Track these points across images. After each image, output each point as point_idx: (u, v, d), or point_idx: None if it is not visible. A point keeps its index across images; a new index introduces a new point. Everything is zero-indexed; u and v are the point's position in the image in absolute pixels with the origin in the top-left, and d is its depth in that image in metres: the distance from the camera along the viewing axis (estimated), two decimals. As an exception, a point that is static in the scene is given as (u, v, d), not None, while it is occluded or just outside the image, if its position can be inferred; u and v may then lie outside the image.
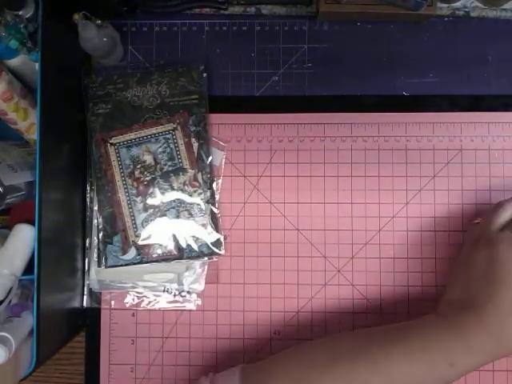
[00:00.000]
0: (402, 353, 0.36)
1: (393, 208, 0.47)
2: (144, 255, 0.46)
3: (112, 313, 0.47)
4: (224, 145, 0.48)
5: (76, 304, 0.47)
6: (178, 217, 0.46)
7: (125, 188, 0.47)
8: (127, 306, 0.47)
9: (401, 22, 0.48)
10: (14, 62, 0.42)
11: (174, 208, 0.46)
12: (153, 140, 0.47)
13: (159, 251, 0.46)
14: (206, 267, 0.47)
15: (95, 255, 0.47)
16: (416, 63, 0.48)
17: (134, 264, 0.46)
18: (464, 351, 0.36)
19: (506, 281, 0.36)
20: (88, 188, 0.48)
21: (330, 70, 0.48)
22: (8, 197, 0.40)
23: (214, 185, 0.47)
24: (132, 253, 0.47)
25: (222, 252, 0.46)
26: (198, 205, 0.46)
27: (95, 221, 0.47)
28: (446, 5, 0.47)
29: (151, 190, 0.47)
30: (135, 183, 0.47)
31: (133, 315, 0.47)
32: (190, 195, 0.46)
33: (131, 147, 0.47)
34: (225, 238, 0.47)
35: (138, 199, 0.47)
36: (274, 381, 0.38)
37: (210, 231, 0.46)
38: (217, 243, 0.46)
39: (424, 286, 0.46)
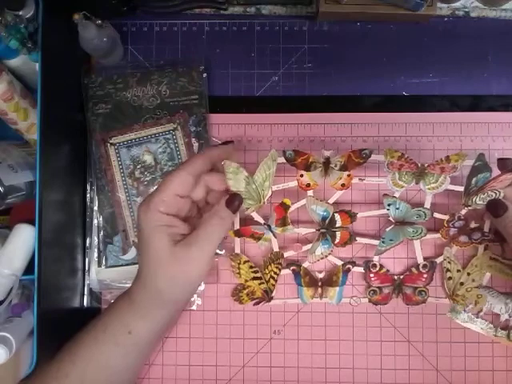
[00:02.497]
0: (92, 340, 0.39)
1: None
2: (144, 255, 0.46)
3: (112, 313, 0.47)
4: (224, 145, 0.48)
5: (76, 304, 0.47)
6: (178, 217, 0.46)
7: (125, 188, 0.47)
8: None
9: (401, 21, 0.48)
10: (14, 62, 0.42)
11: (174, 208, 0.46)
12: (153, 140, 0.47)
13: (159, 251, 0.46)
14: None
15: (95, 255, 0.47)
16: (416, 63, 0.48)
17: (134, 264, 0.46)
18: (135, 315, 0.39)
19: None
20: (88, 188, 0.48)
21: (330, 70, 0.48)
22: (8, 197, 0.40)
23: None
24: (132, 253, 0.47)
25: (222, 252, 0.46)
26: (198, 205, 0.46)
27: (95, 221, 0.47)
28: (445, 5, 0.48)
29: (151, 190, 0.47)
30: (135, 183, 0.47)
31: (133, 315, 0.47)
32: (190, 195, 0.46)
33: (131, 147, 0.47)
34: (224, 238, 0.46)
35: (138, 199, 0.47)
36: None
37: (210, 231, 0.46)
38: (217, 243, 0.46)
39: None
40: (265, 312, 0.47)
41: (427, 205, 0.43)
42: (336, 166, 0.42)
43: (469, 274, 0.44)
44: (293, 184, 0.43)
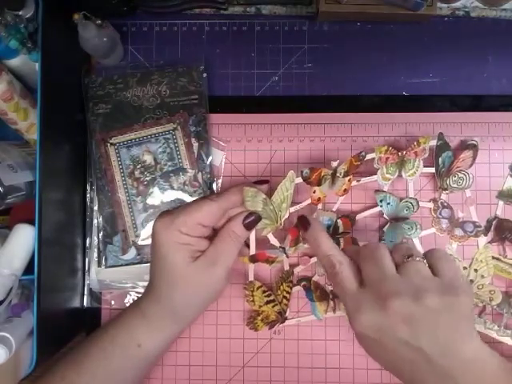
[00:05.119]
0: (100, 349, 0.39)
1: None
2: (144, 255, 0.46)
3: (112, 313, 0.47)
4: (224, 145, 0.48)
5: (76, 304, 0.47)
6: (178, 217, 0.46)
7: (125, 188, 0.47)
8: (127, 305, 0.47)
9: (401, 21, 0.48)
10: (14, 62, 0.42)
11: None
12: (153, 140, 0.47)
13: (159, 251, 0.46)
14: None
15: (95, 255, 0.47)
16: (416, 63, 0.48)
17: (134, 264, 0.46)
18: (147, 330, 0.39)
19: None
20: (88, 188, 0.48)
21: (330, 70, 0.48)
22: (8, 197, 0.40)
23: (214, 185, 0.47)
24: (132, 253, 0.47)
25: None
26: (198, 205, 0.46)
27: (95, 221, 0.47)
28: (445, 5, 0.47)
29: (151, 190, 0.47)
30: (135, 183, 0.47)
31: (133, 315, 0.47)
32: (190, 195, 0.46)
33: (131, 147, 0.47)
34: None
35: (138, 199, 0.47)
36: None
37: (210, 231, 0.46)
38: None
39: None
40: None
41: (410, 193, 0.45)
42: (340, 174, 0.42)
43: (476, 270, 0.44)
44: (307, 202, 0.44)
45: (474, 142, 0.44)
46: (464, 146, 0.45)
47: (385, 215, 0.45)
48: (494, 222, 0.45)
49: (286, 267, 0.45)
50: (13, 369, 0.40)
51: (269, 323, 0.45)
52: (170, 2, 0.47)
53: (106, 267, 0.47)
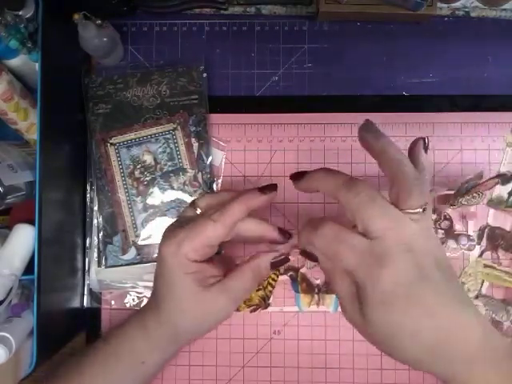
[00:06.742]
0: (102, 363, 0.39)
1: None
2: (144, 255, 0.46)
3: (112, 313, 0.47)
4: (224, 145, 0.48)
5: (76, 304, 0.47)
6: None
7: (125, 188, 0.47)
8: (127, 306, 0.47)
9: (401, 21, 0.48)
10: (14, 62, 0.42)
11: (174, 208, 0.46)
12: (153, 140, 0.47)
13: (159, 251, 0.46)
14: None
15: (95, 255, 0.47)
16: (416, 63, 0.48)
17: (134, 264, 0.46)
18: (149, 348, 0.38)
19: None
20: (88, 188, 0.48)
21: (330, 70, 0.48)
22: (8, 197, 0.40)
23: (214, 185, 0.47)
24: (132, 253, 0.47)
25: (222, 252, 0.46)
26: (198, 205, 0.46)
27: (95, 221, 0.47)
28: (445, 5, 0.47)
29: (151, 190, 0.47)
30: (135, 183, 0.47)
31: (133, 315, 0.47)
32: (190, 195, 0.46)
33: (131, 147, 0.47)
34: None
35: (138, 199, 0.47)
36: None
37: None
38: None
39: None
40: (265, 312, 0.47)
41: None
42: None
43: (464, 283, 0.44)
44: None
45: (508, 174, 0.44)
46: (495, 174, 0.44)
47: None
48: (486, 231, 0.45)
49: None
50: (13, 369, 0.40)
51: (251, 306, 0.44)
52: (170, 1, 0.47)
53: (106, 267, 0.47)
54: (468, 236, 0.45)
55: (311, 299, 0.44)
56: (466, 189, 0.43)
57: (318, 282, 0.45)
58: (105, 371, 0.38)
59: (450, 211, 0.45)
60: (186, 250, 0.35)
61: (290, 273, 0.44)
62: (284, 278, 0.45)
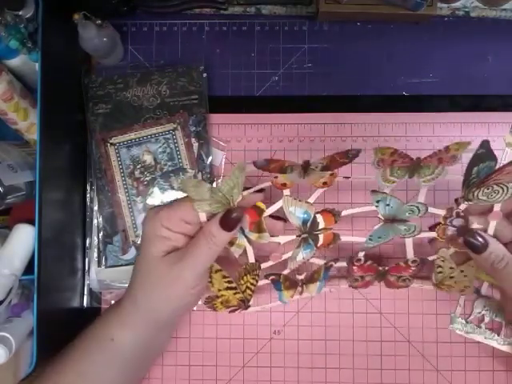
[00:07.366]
0: (81, 345, 0.39)
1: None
2: (144, 255, 0.46)
3: (112, 313, 0.47)
4: (224, 145, 0.48)
5: (76, 304, 0.47)
6: (178, 217, 0.46)
7: (125, 188, 0.47)
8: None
9: (401, 21, 0.48)
10: (14, 62, 0.42)
11: (174, 208, 0.46)
12: (153, 140, 0.47)
13: (159, 251, 0.46)
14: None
15: (95, 255, 0.47)
16: (416, 63, 0.48)
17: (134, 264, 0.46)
18: (119, 324, 0.38)
19: None
20: (88, 188, 0.48)
21: (330, 70, 0.48)
22: (8, 197, 0.40)
23: (214, 185, 0.47)
24: (132, 253, 0.47)
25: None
26: (198, 205, 0.46)
27: (95, 221, 0.47)
28: (446, 5, 0.48)
29: (151, 190, 0.47)
30: (135, 183, 0.47)
31: (133, 315, 0.47)
32: (190, 195, 0.46)
33: (131, 147, 0.47)
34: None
35: (138, 199, 0.47)
36: None
37: (210, 231, 0.46)
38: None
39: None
40: (265, 312, 0.47)
41: (421, 199, 0.39)
42: (317, 167, 0.37)
43: (462, 271, 0.41)
44: (266, 185, 0.39)
45: None
46: None
47: (380, 215, 0.40)
48: None
49: (251, 259, 0.39)
50: (13, 369, 0.40)
51: (229, 307, 0.42)
52: (170, 1, 0.47)
53: (106, 267, 0.47)
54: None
55: (294, 291, 0.42)
56: (477, 175, 0.37)
57: (301, 277, 0.42)
58: (84, 353, 0.39)
59: (463, 207, 0.38)
60: (162, 216, 0.36)
61: (271, 277, 0.41)
62: (265, 282, 0.42)
